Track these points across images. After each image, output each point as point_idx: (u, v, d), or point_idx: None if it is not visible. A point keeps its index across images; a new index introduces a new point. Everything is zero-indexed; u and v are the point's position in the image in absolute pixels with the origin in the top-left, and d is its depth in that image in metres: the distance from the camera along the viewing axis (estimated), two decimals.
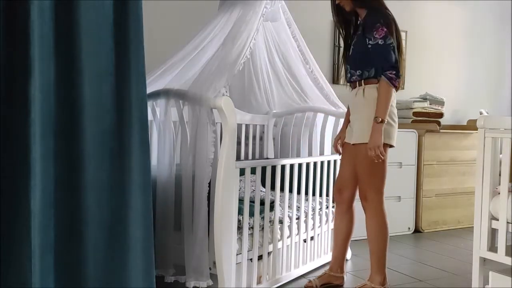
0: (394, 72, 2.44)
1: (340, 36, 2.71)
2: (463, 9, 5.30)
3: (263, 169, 2.61)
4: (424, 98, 4.64)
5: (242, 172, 2.43)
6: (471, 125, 4.65)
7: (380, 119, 2.44)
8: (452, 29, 5.27)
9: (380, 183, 2.53)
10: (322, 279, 2.75)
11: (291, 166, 2.76)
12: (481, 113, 4.63)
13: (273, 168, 2.62)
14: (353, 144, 2.56)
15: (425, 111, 4.60)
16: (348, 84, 2.69)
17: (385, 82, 2.45)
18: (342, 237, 2.74)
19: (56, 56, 1.66)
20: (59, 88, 1.67)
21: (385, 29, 2.45)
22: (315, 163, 2.96)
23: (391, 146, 2.55)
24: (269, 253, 2.59)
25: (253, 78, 3.40)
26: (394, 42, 2.47)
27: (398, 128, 4.27)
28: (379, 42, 2.44)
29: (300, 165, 2.82)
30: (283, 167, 2.69)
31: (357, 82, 2.55)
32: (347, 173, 2.67)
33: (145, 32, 1.86)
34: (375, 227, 2.55)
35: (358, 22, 2.64)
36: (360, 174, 2.56)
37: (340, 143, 2.76)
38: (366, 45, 2.48)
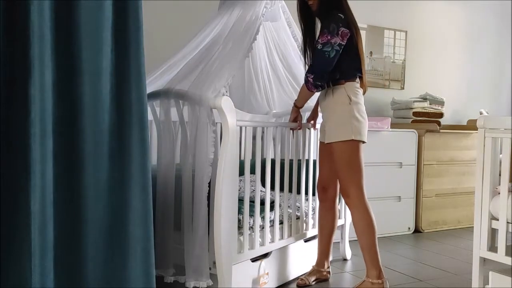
0: (312, 77, 2.53)
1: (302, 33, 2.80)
2: (463, 9, 5.30)
3: (263, 169, 2.62)
4: (424, 98, 4.64)
5: (241, 172, 2.43)
6: (471, 125, 4.65)
7: (295, 104, 2.77)
8: (452, 29, 5.27)
9: (358, 178, 2.58)
10: (312, 275, 2.83)
11: (291, 161, 2.77)
12: (481, 113, 4.63)
13: (273, 168, 2.63)
14: (327, 143, 2.63)
15: (425, 111, 4.61)
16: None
17: (304, 82, 2.61)
18: (327, 233, 2.84)
19: (56, 56, 1.66)
20: (59, 88, 1.67)
21: (328, 37, 2.50)
22: (314, 160, 2.97)
23: (363, 142, 2.60)
24: (269, 253, 2.59)
25: (253, 78, 3.40)
26: (336, 48, 2.50)
27: (398, 128, 4.32)
28: (318, 47, 2.53)
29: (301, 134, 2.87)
30: (282, 163, 2.69)
31: (326, 84, 2.61)
32: (328, 171, 2.76)
33: (145, 32, 1.86)
34: (361, 221, 2.60)
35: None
36: (338, 172, 2.62)
37: (313, 123, 2.97)
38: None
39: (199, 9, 3.59)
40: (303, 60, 2.81)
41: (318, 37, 2.55)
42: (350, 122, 2.54)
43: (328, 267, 2.89)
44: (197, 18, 3.24)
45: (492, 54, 5.53)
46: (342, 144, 2.55)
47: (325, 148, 2.72)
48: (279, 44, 3.30)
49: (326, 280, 2.86)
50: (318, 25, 2.71)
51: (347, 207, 2.91)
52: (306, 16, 2.72)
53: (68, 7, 1.67)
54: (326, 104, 2.64)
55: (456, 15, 5.27)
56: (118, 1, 1.78)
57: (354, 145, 2.55)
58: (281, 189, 2.70)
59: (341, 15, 2.53)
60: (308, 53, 2.73)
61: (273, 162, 2.67)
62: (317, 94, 2.81)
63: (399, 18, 4.88)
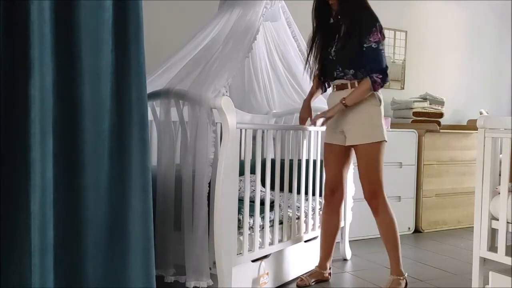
0: (380, 77, 2.52)
1: (313, 30, 2.75)
2: (463, 8, 5.30)
3: (263, 169, 2.62)
4: (424, 98, 4.64)
5: (241, 172, 2.43)
6: (471, 125, 4.65)
7: (345, 103, 2.57)
8: (452, 29, 5.27)
9: (382, 178, 2.61)
10: (313, 276, 2.82)
11: (291, 161, 2.76)
12: (481, 113, 4.63)
13: (273, 167, 2.63)
14: (354, 146, 2.60)
15: (425, 111, 4.61)
16: (314, 80, 2.78)
17: (368, 82, 2.53)
18: (331, 235, 2.84)
19: (56, 56, 1.66)
20: (59, 88, 1.67)
21: (379, 35, 2.52)
22: (315, 161, 2.97)
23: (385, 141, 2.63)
24: (269, 253, 2.59)
25: (253, 78, 3.40)
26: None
27: (398, 128, 4.34)
28: (373, 46, 2.52)
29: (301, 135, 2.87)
30: (282, 162, 2.70)
31: (349, 83, 2.60)
32: (338, 174, 2.74)
33: (145, 32, 1.86)
34: (390, 222, 2.63)
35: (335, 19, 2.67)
36: (367, 172, 2.59)
37: (304, 121, 2.84)
38: (361, 46, 2.53)
39: (199, 9, 3.58)
40: (304, 60, 2.79)
41: (368, 36, 2.50)
42: (381, 123, 2.57)
43: (330, 269, 2.88)
44: (197, 18, 3.24)
45: (492, 54, 5.53)
46: (374, 145, 2.55)
47: (336, 150, 2.69)
48: (279, 44, 3.30)
49: (326, 280, 2.86)
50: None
51: (343, 208, 2.92)
52: (323, 15, 2.68)
53: (68, 7, 1.67)
54: (351, 105, 2.58)
55: (456, 15, 5.27)
56: (118, 1, 1.78)
57: (383, 146, 2.59)
58: (281, 189, 2.70)
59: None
60: (314, 52, 2.69)
61: (273, 162, 2.67)
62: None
63: (399, 18, 4.88)
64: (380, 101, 2.60)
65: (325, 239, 2.84)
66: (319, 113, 2.73)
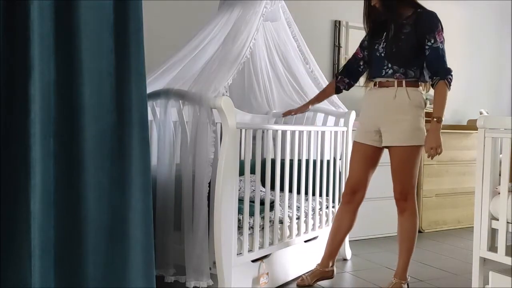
0: (450, 78, 2.50)
1: (369, 34, 2.68)
2: (463, 9, 5.30)
3: (263, 169, 2.62)
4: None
5: (241, 172, 2.43)
6: (471, 125, 4.65)
7: (440, 118, 2.49)
8: (452, 29, 5.26)
9: (415, 182, 2.59)
10: (314, 275, 2.78)
11: (291, 161, 2.76)
12: (481, 113, 4.63)
13: (273, 167, 2.63)
14: (396, 146, 2.52)
15: (425, 111, 4.60)
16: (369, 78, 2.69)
17: (445, 85, 2.49)
18: (342, 236, 2.78)
19: (56, 56, 1.66)
20: (59, 88, 1.67)
21: (443, 35, 2.49)
22: (314, 161, 2.97)
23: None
24: (269, 253, 2.59)
25: (253, 78, 3.40)
26: None
27: None
28: (440, 46, 2.48)
29: (301, 135, 2.87)
30: (282, 162, 2.70)
31: (396, 81, 2.52)
32: (363, 174, 2.66)
33: (145, 32, 1.86)
34: (412, 225, 2.61)
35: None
36: (401, 174, 2.55)
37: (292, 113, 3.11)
38: (420, 45, 2.48)
39: (199, 9, 3.59)
40: (303, 60, 2.79)
41: (434, 35, 2.46)
42: (423, 126, 2.53)
43: (332, 266, 2.82)
44: (197, 18, 3.24)
45: (492, 54, 5.53)
46: (413, 148, 2.50)
47: (367, 150, 2.61)
48: (279, 44, 3.30)
49: (330, 278, 2.81)
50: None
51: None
52: (373, 19, 2.60)
53: (68, 7, 1.67)
54: (396, 105, 2.51)
55: (456, 15, 5.27)
56: (118, 1, 1.78)
57: (421, 150, 2.55)
58: (281, 189, 2.70)
59: None
60: (383, 50, 2.53)
61: (273, 162, 2.67)
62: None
63: None
64: (425, 103, 2.55)
65: (334, 238, 2.76)
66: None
